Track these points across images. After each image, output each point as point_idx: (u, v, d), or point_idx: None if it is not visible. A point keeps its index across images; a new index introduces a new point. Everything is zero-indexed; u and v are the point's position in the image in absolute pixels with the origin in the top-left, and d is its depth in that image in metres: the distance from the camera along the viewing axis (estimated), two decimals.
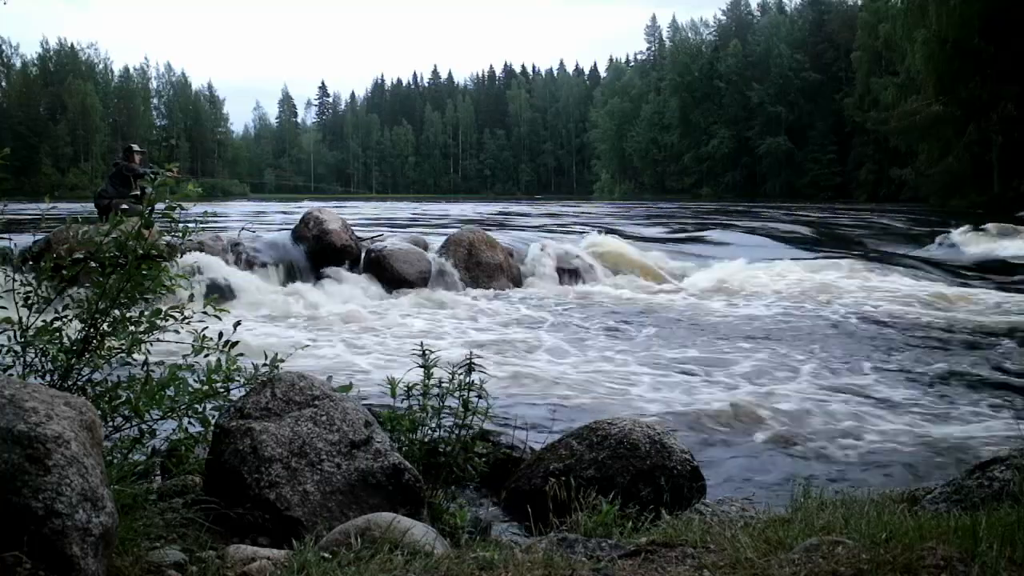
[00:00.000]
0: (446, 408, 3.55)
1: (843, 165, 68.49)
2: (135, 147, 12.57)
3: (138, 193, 11.09)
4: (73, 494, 1.93)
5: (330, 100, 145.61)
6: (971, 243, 17.49)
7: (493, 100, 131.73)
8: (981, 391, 5.92)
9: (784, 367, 6.75)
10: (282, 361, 3.31)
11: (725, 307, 10.23)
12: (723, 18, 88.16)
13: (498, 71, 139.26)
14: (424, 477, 3.17)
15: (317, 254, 11.33)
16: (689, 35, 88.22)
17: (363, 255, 11.55)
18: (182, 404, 3.05)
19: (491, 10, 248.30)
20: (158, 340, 3.22)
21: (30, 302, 3.08)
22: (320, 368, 6.09)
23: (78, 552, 1.90)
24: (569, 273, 12.49)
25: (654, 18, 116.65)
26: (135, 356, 3.18)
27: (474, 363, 3.55)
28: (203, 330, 3.17)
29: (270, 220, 21.60)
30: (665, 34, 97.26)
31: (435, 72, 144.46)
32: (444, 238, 12.62)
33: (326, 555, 2.26)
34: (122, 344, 3.13)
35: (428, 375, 3.58)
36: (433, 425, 3.53)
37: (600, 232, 15.39)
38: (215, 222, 13.64)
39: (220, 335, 3.19)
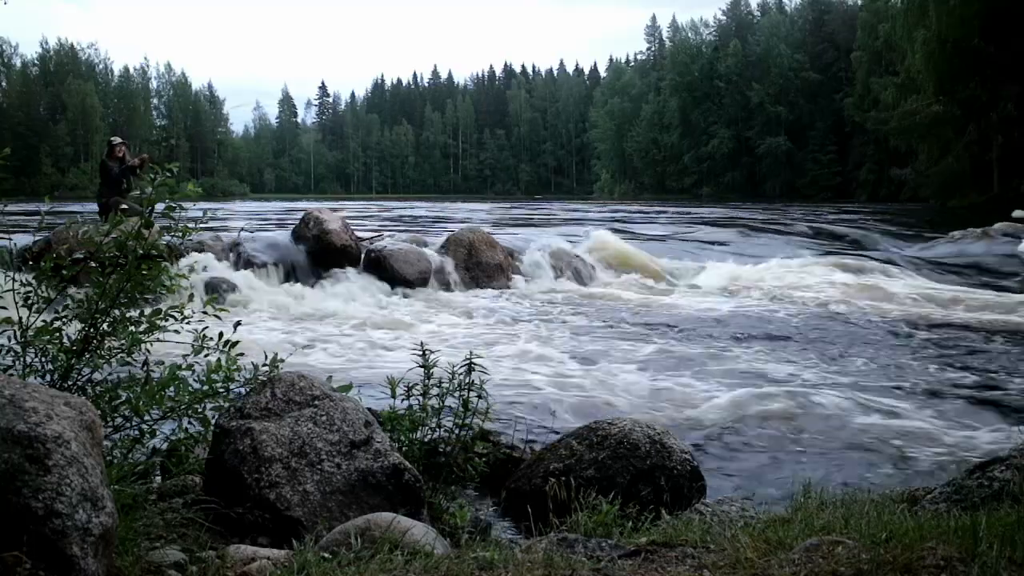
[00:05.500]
0: (446, 408, 3.55)
1: (843, 165, 68.51)
2: (114, 140, 12.07)
3: (125, 188, 10.91)
4: (73, 494, 1.94)
5: (330, 100, 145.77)
6: (973, 243, 17.47)
7: (493, 100, 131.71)
8: (981, 391, 5.92)
9: (784, 367, 6.75)
10: (282, 361, 3.31)
11: (725, 306, 10.22)
12: (723, 18, 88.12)
13: (498, 71, 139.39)
14: (424, 477, 3.17)
15: (317, 254, 11.32)
16: (689, 35, 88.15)
17: (363, 255, 11.55)
18: (182, 404, 3.05)
19: (491, 10, 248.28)
20: (158, 340, 3.22)
21: (30, 302, 3.08)
22: (320, 368, 6.09)
23: (78, 552, 1.90)
24: (569, 273, 12.49)
25: (654, 18, 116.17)
26: (135, 356, 3.18)
27: (474, 363, 3.55)
28: (203, 330, 3.17)
29: (269, 219, 21.59)
30: (665, 34, 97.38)
31: (435, 72, 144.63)
32: (444, 238, 12.62)
33: (326, 555, 2.26)
34: (122, 344, 3.13)
35: (428, 375, 3.58)
36: (433, 425, 3.53)
37: (600, 232, 15.38)
38: (216, 221, 13.63)
39: (220, 335, 3.19)
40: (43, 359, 3.05)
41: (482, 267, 11.86)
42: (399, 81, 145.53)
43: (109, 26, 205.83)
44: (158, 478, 3.16)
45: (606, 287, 12.05)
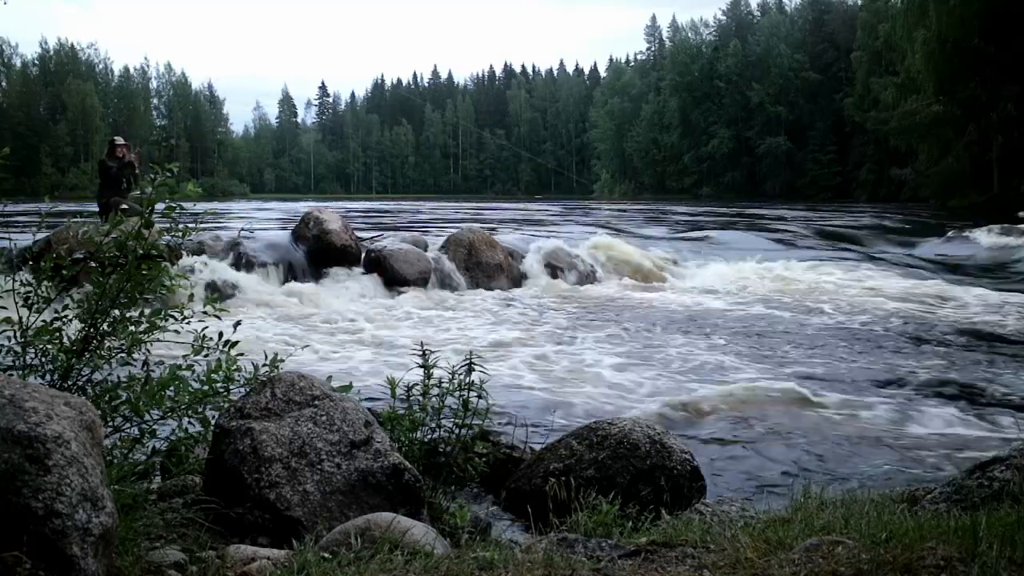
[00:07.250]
0: (446, 408, 3.54)
1: (843, 165, 68.49)
2: (118, 140, 11.92)
3: (125, 188, 10.87)
4: (73, 494, 1.93)
5: (330, 100, 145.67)
6: (973, 243, 17.48)
7: (493, 100, 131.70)
8: (982, 391, 5.92)
9: (783, 367, 6.75)
10: (282, 361, 3.30)
11: (725, 306, 10.23)
12: (723, 18, 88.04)
13: (498, 71, 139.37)
14: (424, 477, 3.17)
15: (317, 254, 11.32)
16: (689, 35, 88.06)
17: (363, 255, 11.55)
18: (182, 404, 3.05)
19: (491, 10, 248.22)
20: (158, 340, 3.22)
21: (30, 302, 3.08)
22: (320, 368, 6.09)
23: (78, 552, 1.90)
24: (569, 273, 12.49)
25: (654, 18, 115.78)
26: (135, 356, 3.18)
27: (474, 363, 3.55)
28: (203, 330, 3.17)
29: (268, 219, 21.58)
30: (665, 34, 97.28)
31: (435, 72, 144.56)
32: (444, 238, 12.62)
33: (326, 555, 2.26)
34: (122, 344, 3.13)
35: (428, 375, 3.57)
36: (433, 425, 3.53)
37: (600, 232, 15.39)
38: (216, 221, 13.60)
39: (220, 335, 3.19)
40: (43, 359, 3.05)
41: (482, 267, 11.86)
42: (399, 81, 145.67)
43: (109, 26, 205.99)
44: (158, 478, 3.15)
45: (606, 286, 12.06)
